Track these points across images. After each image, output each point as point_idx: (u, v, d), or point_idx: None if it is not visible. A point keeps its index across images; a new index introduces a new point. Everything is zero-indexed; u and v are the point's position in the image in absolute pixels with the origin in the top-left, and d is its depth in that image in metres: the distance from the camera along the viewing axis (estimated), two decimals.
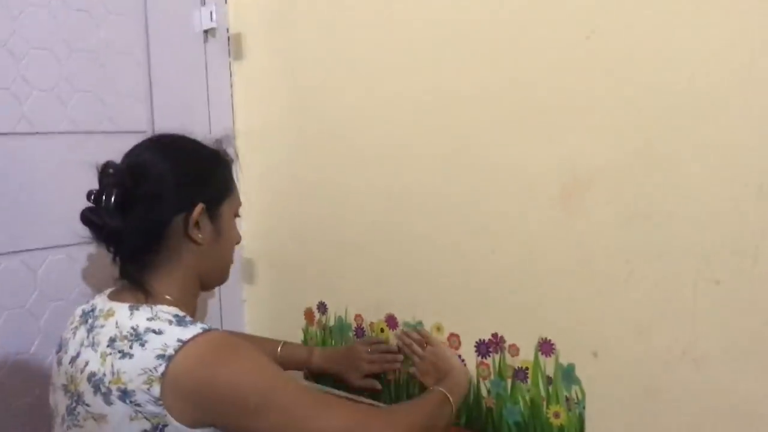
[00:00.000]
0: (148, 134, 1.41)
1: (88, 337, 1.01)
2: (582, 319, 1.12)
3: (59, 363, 1.05)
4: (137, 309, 0.99)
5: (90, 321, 1.03)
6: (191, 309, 1.07)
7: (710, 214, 0.98)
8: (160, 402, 0.91)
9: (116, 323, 0.98)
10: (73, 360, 1.01)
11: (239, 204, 1.16)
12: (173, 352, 0.92)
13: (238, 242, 1.16)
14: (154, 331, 0.95)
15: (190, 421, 0.92)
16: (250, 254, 1.65)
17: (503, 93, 1.17)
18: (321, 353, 1.42)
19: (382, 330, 1.40)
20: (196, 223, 1.05)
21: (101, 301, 1.06)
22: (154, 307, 1.00)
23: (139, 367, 0.92)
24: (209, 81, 1.57)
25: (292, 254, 1.57)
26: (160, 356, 0.92)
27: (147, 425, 0.91)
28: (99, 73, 1.36)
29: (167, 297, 1.03)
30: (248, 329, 1.68)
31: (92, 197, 1.02)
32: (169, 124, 1.46)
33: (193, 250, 1.06)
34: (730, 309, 0.98)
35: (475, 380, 1.27)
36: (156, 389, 0.91)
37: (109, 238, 1.02)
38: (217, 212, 1.09)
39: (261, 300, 1.66)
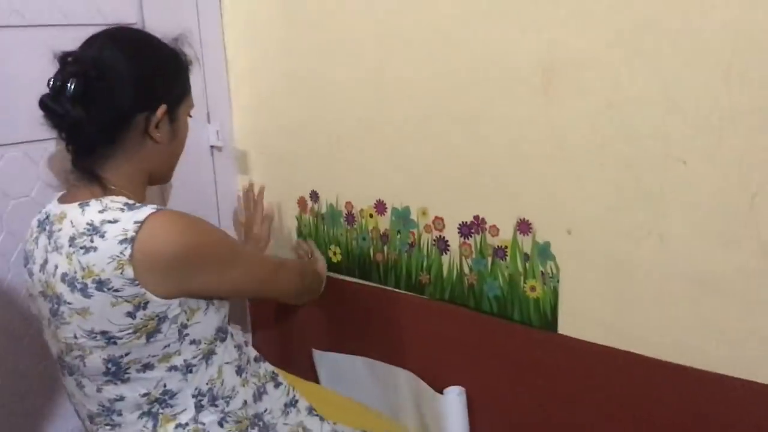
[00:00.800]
0: (138, 27, 1.44)
1: (49, 242, 1.05)
2: (557, 200, 1.19)
3: (30, 274, 1.09)
4: (87, 205, 1.02)
5: (47, 228, 1.06)
6: (140, 198, 1.09)
7: (679, 99, 1.03)
8: (136, 282, 0.97)
9: (71, 223, 1.01)
10: (43, 267, 1.05)
11: (192, 105, 1.17)
12: (134, 234, 0.97)
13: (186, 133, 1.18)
14: (109, 221, 0.98)
15: (164, 293, 0.99)
16: (243, 146, 1.70)
17: None
18: None
19: (371, 215, 1.47)
20: (158, 124, 1.07)
21: (53, 207, 1.09)
22: (102, 199, 1.02)
23: (106, 256, 0.97)
24: None
25: (283, 146, 1.61)
26: (123, 240, 0.97)
27: (129, 307, 0.98)
28: None
29: (112, 188, 1.05)
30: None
31: (52, 85, 1.01)
32: (157, 15, 1.47)
33: (149, 148, 1.08)
34: (694, 188, 1.05)
35: (458, 260, 1.35)
36: (129, 271, 0.96)
37: (69, 127, 1.02)
38: (176, 113, 1.11)
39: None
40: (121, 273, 0.96)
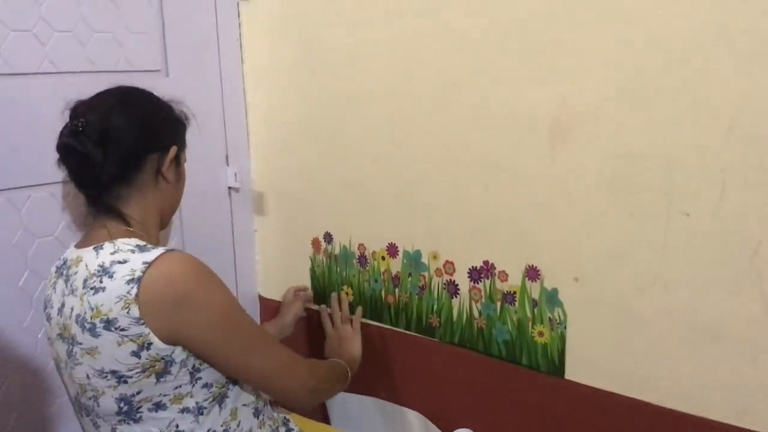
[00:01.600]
0: (162, 73, 1.50)
1: (66, 286, 1.08)
2: (565, 247, 1.22)
3: (49, 318, 1.13)
4: (101, 248, 1.05)
5: (65, 272, 1.10)
6: (153, 240, 1.13)
7: (682, 153, 1.06)
8: (142, 321, 0.99)
9: (86, 266, 1.05)
10: (60, 310, 1.09)
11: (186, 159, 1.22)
12: (141, 274, 1.00)
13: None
14: (119, 262, 1.02)
15: (165, 336, 1.01)
16: (260, 188, 1.74)
17: (497, 36, 1.23)
18: (272, 324, 1.60)
19: (383, 258, 1.51)
20: (170, 163, 1.13)
21: (70, 253, 1.13)
22: (115, 242, 1.06)
23: (113, 295, 1.00)
24: (218, 20, 1.62)
25: (299, 188, 1.66)
26: (130, 281, 1.00)
27: (134, 346, 1.00)
28: (114, 14, 1.43)
29: (130, 223, 1.10)
30: (259, 258, 1.79)
31: (71, 127, 1.06)
32: (181, 62, 1.54)
33: (161, 188, 1.14)
34: (697, 239, 1.07)
35: (468, 304, 1.38)
36: (135, 310, 0.99)
37: (88, 167, 1.06)
38: (181, 158, 1.18)
39: (271, 231, 1.76)
40: (128, 312, 0.99)
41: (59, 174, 1.26)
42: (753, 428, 1.07)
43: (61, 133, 1.07)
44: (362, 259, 1.55)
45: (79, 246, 1.12)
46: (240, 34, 1.68)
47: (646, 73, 1.08)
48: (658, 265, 1.12)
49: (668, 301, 1.12)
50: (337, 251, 1.60)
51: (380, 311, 1.54)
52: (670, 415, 1.14)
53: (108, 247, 1.05)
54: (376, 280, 1.54)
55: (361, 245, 1.55)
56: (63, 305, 1.08)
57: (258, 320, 1.80)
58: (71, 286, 1.07)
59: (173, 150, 1.13)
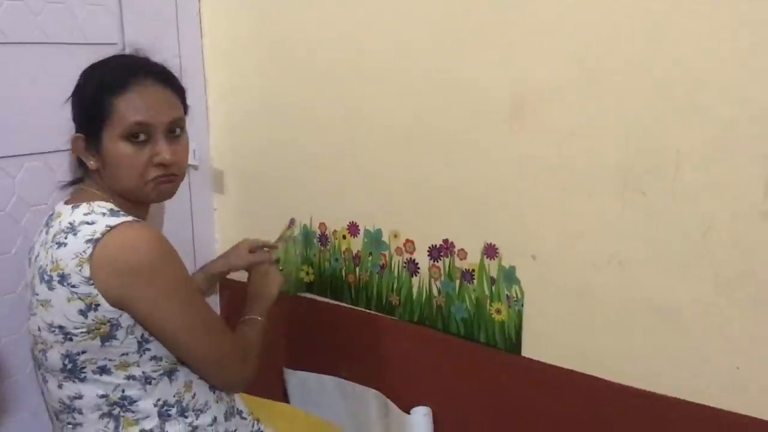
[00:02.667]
0: (118, 47, 1.47)
1: (45, 237, 1.09)
2: (523, 225, 1.23)
3: (30, 264, 1.13)
4: (78, 207, 1.07)
5: (48, 224, 1.11)
6: (134, 212, 1.11)
7: (637, 132, 1.08)
8: (91, 282, 1.00)
9: (59, 222, 1.07)
10: (36, 259, 1.09)
11: (128, 124, 1.08)
12: (100, 236, 1.01)
13: (161, 162, 1.09)
14: (87, 223, 1.03)
15: (112, 300, 1.01)
16: (219, 166, 1.72)
17: (458, 12, 1.23)
18: (212, 264, 1.48)
19: (344, 237, 1.50)
20: (85, 151, 1.09)
21: (58, 206, 1.13)
22: (92, 203, 1.07)
23: (72, 252, 1.01)
24: None
25: (259, 167, 1.64)
26: (89, 240, 1.01)
27: (81, 305, 1.01)
28: None
29: (104, 196, 1.10)
30: (218, 237, 1.77)
31: None
32: (138, 36, 1.50)
33: (93, 172, 1.11)
34: (653, 218, 1.09)
35: (428, 282, 1.39)
36: (86, 269, 1.00)
37: None
38: (100, 143, 1.08)
39: (230, 210, 1.74)
40: (80, 270, 1.00)
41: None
42: (704, 402, 1.10)
43: None
44: (323, 238, 1.55)
45: (66, 202, 1.12)
46: (200, 9, 1.65)
47: (604, 52, 1.09)
48: (614, 243, 1.14)
49: (623, 279, 1.14)
50: (297, 231, 1.59)
51: (341, 290, 1.54)
52: (624, 391, 1.17)
53: (84, 207, 1.06)
54: (336, 259, 1.53)
55: (322, 224, 1.55)
56: (38, 255, 1.08)
57: (216, 300, 1.79)
58: (47, 237, 1.08)
59: (72, 139, 1.10)
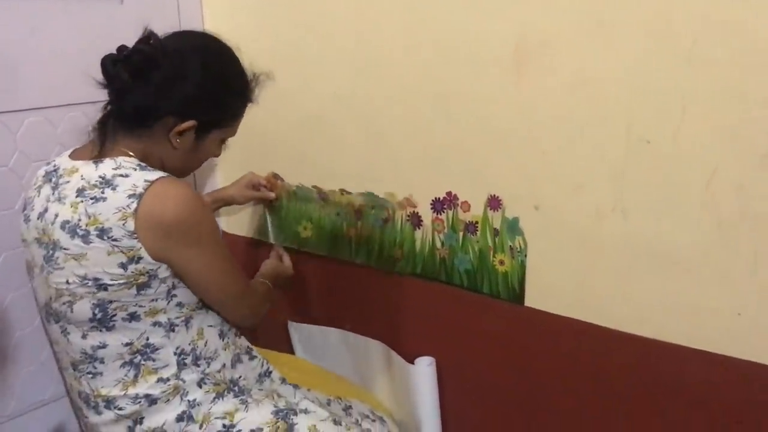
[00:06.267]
0: (117, 0, 1.45)
1: (53, 193, 1.10)
2: (526, 176, 1.23)
3: (27, 220, 1.14)
4: (101, 162, 1.08)
5: (54, 179, 1.11)
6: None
7: (643, 80, 1.06)
8: (135, 235, 1.03)
9: (81, 176, 1.07)
10: (41, 215, 1.10)
11: (232, 134, 1.22)
12: (143, 191, 1.03)
13: (216, 156, 1.24)
14: (122, 176, 1.05)
15: (155, 253, 1.05)
16: None
17: None
18: (210, 193, 1.61)
19: (342, 192, 1.50)
20: (181, 133, 1.11)
21: (64, 161, 1.14)
22: (116, 159, 1.08)
23: (113, 206, 1.03)
24: None
25: (261, 122, 1.62)
26: (131, 195, 1.03)
27: (123, 258, 1.03)
28: None
29: (129, 152, 1.11)
30: None
31: (121, 50, 1.09)
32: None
33: (166, 146, 1.13)
34: (656, 166, 1.09)
35: (431, 235, 1.39)
36: (131, 224, 1.02)
37: (116, 91, 1.10)
38: (206, 134, 1.15)
39: (233, 166, 1.74)
40: (124, 224, 1.02)
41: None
42: (706, 349, 1.11)
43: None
44: (323, 193, 1.54)
45: (74, 157, 1.13)
46: None
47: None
48: (618, 192, 1.13)
49: (627, 228, 1.14)
50: (295, 186, 1.59)
51: (341, 245, 1.54)
52: (627, 338, 1.18)
53: (108, 162, 1.08)
54: (337, 214, 1.53)
55: (322, 179, 1.54)
56: (46, 210, 1.09)
57: None
58: (59, 194, 1.08)
59: (189, 123, 1.11)
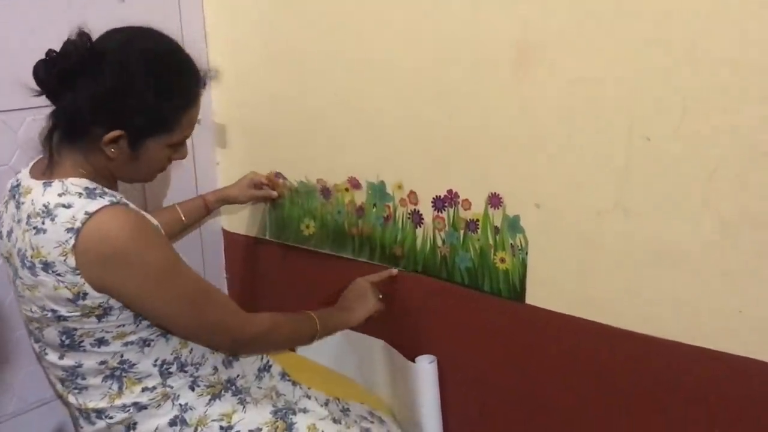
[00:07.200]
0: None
1: (16, 213, 1.06)
2: (527, 175, 1.23)
3: (0, 236, 1.11)
4: (50, 185, 1.02)
5: (16, 197, 1.08)
6: (109, 183, 1.09)
7: (643, 77, 1.07)
8: (77, 272, 0.99)
9: (32, 201, 1.03)
10: (9, 234, 1.08)
11: (183, 138, 1.12)
12: (80, 225, 0.98)
13: (180, 158, 1.16)
14: (63, 206, 0.99)
15: (98, 287, 1.00)
16: (222, 120, 1.71)
17: None
18: (213, 192, 1.58)
19: (346, 189, 1.50)
20: (112, 142, 1.04)
21: (24, 177, 1.09)
22: (65, 181, 1.02)
23: (53, 240, 0.98)
24: None
25: (261, 120, 1.63)
26: (70, 229, 0.98)
27: (69, 294, 1.00)
28: None
29: (80, 170, 1.05)
30: None
31: (48, 56, 1.02)
32: None
33: (104, 157, 1.05)
34: (657, 163, 1.09)
35: (432, 233, 1.39)
36: (71, 260, 0.98)
37: (49, 97, 1.04)
38: (142, 143, 1.06)
39: (234, 164, 1.74)
40: (65, 260, 0.99)
41: (13, 101, 1.26)
42: (707, 346, 1.11)
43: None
44: (325, 192, 1.55)
45: (32, 173, 1.09)
46: None
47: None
48: (618, 190, 1.14)
49: (627, 225, 1.14)
50: (297, 184, 1.59)
51: (343, 243, 1.54)
52: (628, 336, 1.18)
53: (56, 186, 1.02)
54: (339, 212, 1.53)
55: (323, 178, 1.54)
56: (11, 231, 1.07)
57: (221, 255, 1.80)
58: (19, 214, 1.05)
59: (112, 135, 1.03)
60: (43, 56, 1.03)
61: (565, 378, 1.28)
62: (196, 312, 1.10)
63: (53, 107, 1.06)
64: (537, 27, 1.15)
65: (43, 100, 1.07)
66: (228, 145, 1.73)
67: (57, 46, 1.04)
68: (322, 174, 1.54)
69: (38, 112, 1.35)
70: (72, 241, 0.98)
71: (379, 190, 1.45)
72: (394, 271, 1.45)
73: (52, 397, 1.47)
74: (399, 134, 1.38)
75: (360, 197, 1.49)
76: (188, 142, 1.50)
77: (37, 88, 1.03)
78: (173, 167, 1.61)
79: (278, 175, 1.61)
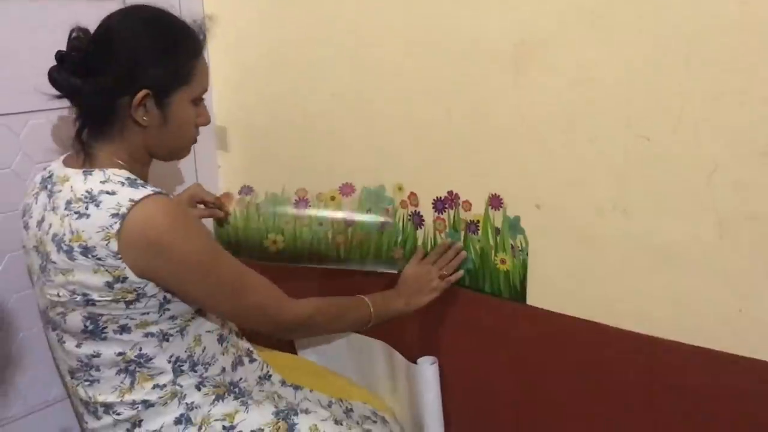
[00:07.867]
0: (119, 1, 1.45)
1: (49, 201, 1.09)
2: (527, 175, 1.23)
3: (26, 227, 1.14)
4: (90, 174, 1.07)
5: (49, 187, 1.11)
6: (142, 176, 1.12)
7: (642, 78, 1.07)
8: (119, 256, 1.01)
9: (71, 188, 1.06)
10: (39, 223, 1.10)
11: (202, 90, 1.16)
12: (126, 211, 1.01)
13: (204, 124, 1.18)
14: (107, 192, 1.03)
15: (140, 272, 1.03)
16: (223, 122, 1.72)
17: None
18: None
19: (332, 198, 1.46)
20: (141, 106, 1.08)
21: (57, 167, 1.13)
22: (106, 170, 1.07)
23: (96, 224, 1.01)
24: None
25: (263, 123, 1.64)
26: (115, 215, 1.01)
27: (108, 277, 1.03)
28: None
29: (118, 161, 1.10)
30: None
31: (59, 57, 1.09)
32: None
33: (138, 130, 1.10)
34: (656, 163, 1.09)
35: (432, 234, 1.39)
36: (114, 244, 1.01)
37: (71, 97, 1.10)
38: (167, 99, 1.10)
39: (235, 167, 1.75)
40: (107, 244, 1.01)
41: (15, 105, 1.30)
42: (707, 346, 1.11)
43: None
44: (301, 203, 1.46)
45: (67, 163, 1.13)
46: None
47: None
48: (618, 190, 1.14)
49: (627, 225, 1.14)
50: (260, 199, 1.47)
51: (326, 254, 1.46)
52: (628, 336, 1.18)
53: (98, 174, 1.06)
54: (320, 224, 1.44)
55: (301, 189, 1.47)
56: (43, 219, 1.09)
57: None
58: (53, 202, 1.08)
59: (140, 95, 1.07)
60: (45, 58, 1.09)
61: (567, 378, 1.28)
62: (236, 298, 1.14)
63: (72, 108, 1.12)
64: (537, 27, 1.15)
65: (45, 103, 1.09)
66: (229, 148, 1.73)
67: (57, 47, 1.08)
68: (318, 177, 1.50)
69: (40, 116, 1.37)
70: (117, 226, 1.00)
71: (377, 194, 1.45)
72: (459, 244, 1.36)
73: (56, 400, 1.48)
74: (399, 135, 1.39)
75: (351, 204, 1.45)
76: None
77: (48, 92, 1.09)
78: (175, 171, 1.63)
79: (229, 195, 1.48)
